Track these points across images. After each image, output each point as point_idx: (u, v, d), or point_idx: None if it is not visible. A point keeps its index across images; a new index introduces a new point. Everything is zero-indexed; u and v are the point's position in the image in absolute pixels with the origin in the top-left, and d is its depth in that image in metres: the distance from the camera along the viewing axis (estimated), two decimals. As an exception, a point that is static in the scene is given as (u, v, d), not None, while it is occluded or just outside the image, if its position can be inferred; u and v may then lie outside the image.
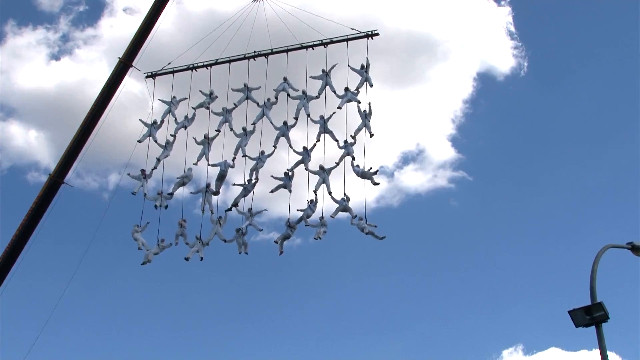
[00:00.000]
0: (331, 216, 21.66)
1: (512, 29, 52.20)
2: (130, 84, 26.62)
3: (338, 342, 41.27)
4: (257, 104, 23.77)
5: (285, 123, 23.15)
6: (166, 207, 23.77)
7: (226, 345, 41.68)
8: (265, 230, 41.10)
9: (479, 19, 53.27)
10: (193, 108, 24.67)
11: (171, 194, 23.90)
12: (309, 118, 22.76)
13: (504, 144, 50.84)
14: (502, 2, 55.31)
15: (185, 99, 24.97)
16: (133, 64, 24.45)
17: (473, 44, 52.95)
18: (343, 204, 21.47)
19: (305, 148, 22.53)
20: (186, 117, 24.68)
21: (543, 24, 54.25)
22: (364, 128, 21.87)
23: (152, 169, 24.29)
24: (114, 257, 38.59)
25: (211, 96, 24.51)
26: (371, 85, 22.30)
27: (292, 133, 23.21)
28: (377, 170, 21.45)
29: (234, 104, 24.09)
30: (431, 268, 45.42)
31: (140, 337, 41.85)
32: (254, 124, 23.50)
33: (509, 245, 45.82)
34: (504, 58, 52.86)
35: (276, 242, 22.21)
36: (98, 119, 24.19)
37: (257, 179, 22.89)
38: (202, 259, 22.85)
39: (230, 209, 23.12)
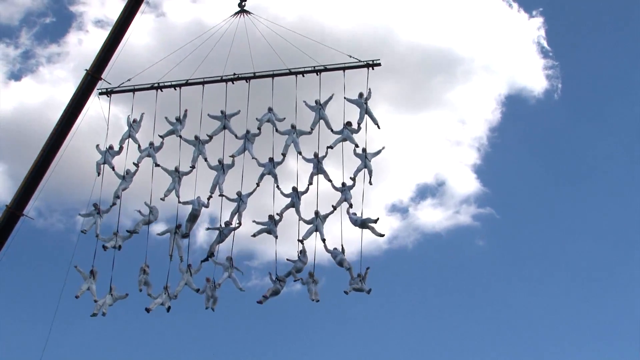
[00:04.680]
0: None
1: (545, 44, 51.03)
2: (103, 107, 25.35)
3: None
4: (236, 136, 23.17)
5: (271, 160, 22.59)
6: (119, 247, 23.06)
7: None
8: (260, 274, 40.62)
9: (506, 33, 52.07)
10: (160, 136, 24.09)
11: (131, 233, 23.21)
12: (300, 156, 22.35)
13: (537, 176, 48.60)
14: (534, 13, 54.17)
15: (143, 113, 24.37)
16: (102, 76, 23.83)
17: (499, 62, 51.83)
18: (338, 257, 21.09)
19: (295, 189, 22.08)
20: (151, 143, 24.11)
21: (580, 39, 52.57)
22: (364, 169, 21.55)
23: (111, 206, 23.69)
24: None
25: (180, 122, 23.95)
26: (376, 124, 22.00)
27: (281, 166, 22.78)
28: (378, 219, 21.12)
29: (208, 135, 23.43)
30: (453, 320, 42.67)
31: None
32: (232, 156, 22.91)
33: (545, 295, 43.29)
34: (535, 78, 51.40)
35: (265, 296, 21.62)
36: (62, 141, 23.51)
37: (239, 223, 22.42)
38: (169, 309, 22.30)
39: (206, 259, 22.54)
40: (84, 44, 51.12)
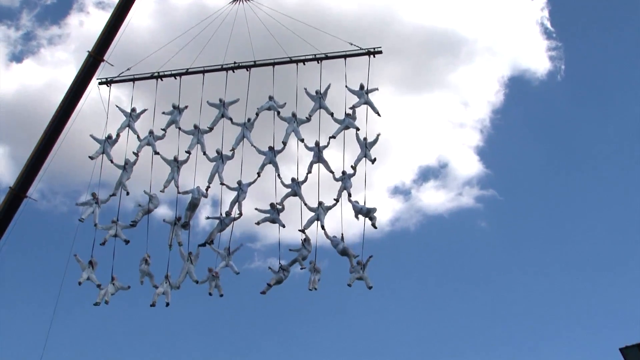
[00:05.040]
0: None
1: (548, 25, 51.01)
2: (105, 89, 25.28)
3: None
4: (231, 120, 23.09)
5: (271, 148, 22.50)
6: (126, 242, 23.05)
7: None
8: (263, 257, 40.68)
9: (509, 14, 52.25)
10: (162, 129, 23.98)
11: (134, 223, 23.13)
12: (302, 143, 22.31)
13: (540, 158, 48.88)
14: (537, -6, 53.90)
15: (146, 109, 24.41)
16: (105, 58, 23.67)
17: (502, 43, 51.84)
18: (340, 245, 21.26)
19: (294, 180, 22.08)
20: (151, 131, 23.98)
21: (583, 20, 52.43)
22: (364, 158, 21.63)
23: (110, 196, 23.60)
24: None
25: (180, 110, 23.85)
26: (376, 112, 21.93)
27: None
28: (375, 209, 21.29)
29: (208, 127, 23.34)
30: (454, 302, 43.08)
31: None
32: (233, 149, 22.87)
33: (547, 275, 43.66)
34: (538, 60, 51.64)
35: (269, 284, 21.59)
36: (65, 123, 23.48)
37: (240, 213, 22.39)
38: (167, 304, 22.26)
39: (204, 245, 22.55)
40: (85, 25, 51.25)
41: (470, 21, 50.92)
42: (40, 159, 23.15)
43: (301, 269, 21.56)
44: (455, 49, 49.45)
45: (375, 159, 21.58)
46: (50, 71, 51.52)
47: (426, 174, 48.85)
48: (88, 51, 23.63)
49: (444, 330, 41.58)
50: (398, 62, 45.81)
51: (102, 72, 23.94)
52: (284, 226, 21.71)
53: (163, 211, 24.77)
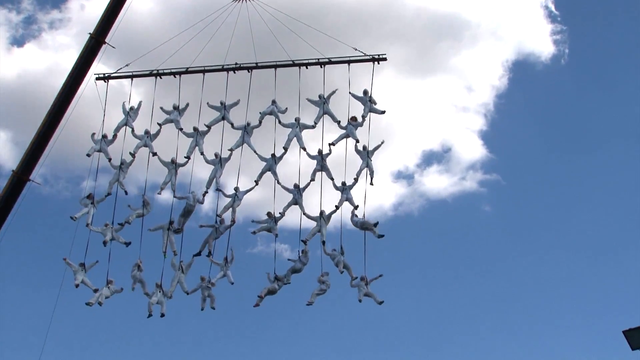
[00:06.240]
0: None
1: (553, 9, 50.44)
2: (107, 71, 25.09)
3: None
4: (232, 125, 22.53)
5: (273, 156, 22.00)
6: (128, 244, 22.44)
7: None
8: (265, 241, 40.33)
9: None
10: (159, 124, 23.40)
11: (123, 225, 22.60)
12: (304, 152, 21.84)
13: (543, 142, 48.61)
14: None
15: (141, 101, 23.86)
16: (107, 40, 23.09)
17: (506, 27, 51.30)
18: (336, 259, 20.91)
19: (296, 186, 21.60)
20: (147, 131, 23.36)
21: (588, 3, 52.09)
22: (365, 169, 21.23)
23: (105, 195, 23.13)
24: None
25: (180, 111, 23.24)
26: (381, 113, 21.55)
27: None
28: (377, 223, 20.79)
29: (206, 125, 22.77)
30: (458, 286, 42.83)
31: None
32: (231, 150, 22.28)
33: (550, 259, 43.20)
34: (542, 44, 51.05)
35: (260, 297, 21.04)
36: (67, 106, 23.00)
37: (233, 221, 21.90)
38: (162, 315, 21.66)
39: (199, 254, 21.96)
40: (86, 9, 50.53)
41: (473, 4, 50.50)
42: (42, 143, 22.76)
43: (285, 283, 20.96)
44: (458, 32, 49.13)
45: (372, 184, 21.11)
46: (52, 55, 50.97)
47: (429, 159, 48.90)
48: (89, 33, 23.14)
49: (447, 315, 41.51)
50: (401, 45, 45.57)
51: (102, 56, 23.40)
52: (277, 236, 21.40)
53: (168, 195, 24.37)
